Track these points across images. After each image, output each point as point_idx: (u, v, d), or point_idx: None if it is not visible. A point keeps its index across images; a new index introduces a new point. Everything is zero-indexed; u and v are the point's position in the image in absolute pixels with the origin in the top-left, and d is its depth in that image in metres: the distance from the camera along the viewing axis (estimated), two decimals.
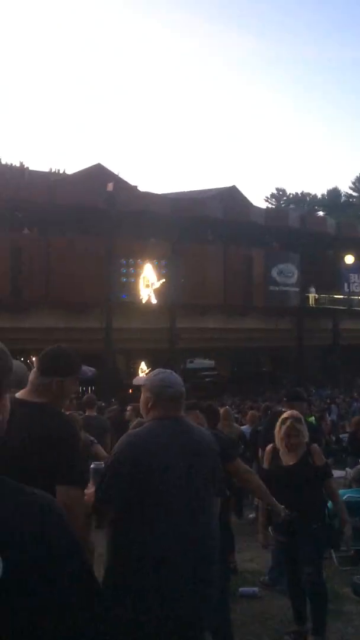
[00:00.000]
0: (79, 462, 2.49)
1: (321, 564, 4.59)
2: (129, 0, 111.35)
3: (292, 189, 69.84)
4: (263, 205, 49.52)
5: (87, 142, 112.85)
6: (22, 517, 1.12)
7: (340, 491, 5.94)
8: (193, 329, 27.19)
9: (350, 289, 32.94)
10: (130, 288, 25.49)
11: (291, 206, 60.31)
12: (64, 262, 23.51)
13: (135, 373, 25.43)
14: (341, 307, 32.24)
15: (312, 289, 31.53)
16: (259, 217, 30.78)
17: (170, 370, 2.81)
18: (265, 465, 4.82)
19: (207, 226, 28.99)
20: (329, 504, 4.90)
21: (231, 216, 29.04)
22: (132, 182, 29.62)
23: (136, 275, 25.72)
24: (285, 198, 66.12)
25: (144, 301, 25.71)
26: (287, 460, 4.58)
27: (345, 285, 32.92)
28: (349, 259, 32.48)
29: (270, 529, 4.76)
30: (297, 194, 66.43)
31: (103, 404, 16.84)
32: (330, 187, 66.34)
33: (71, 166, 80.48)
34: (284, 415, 4.71)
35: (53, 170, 30.87)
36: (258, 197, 73.63)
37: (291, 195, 66.33)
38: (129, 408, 9.44)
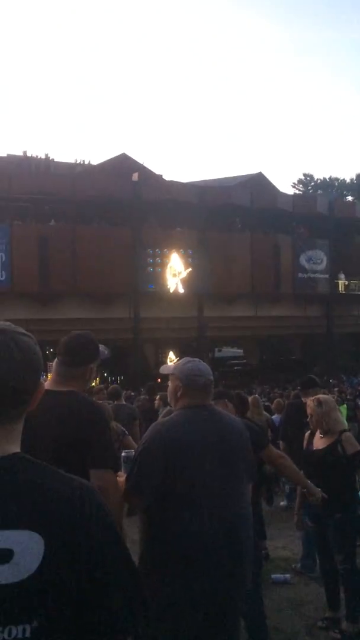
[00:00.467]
0: (111, 446, 2.52)
1: (353, 552, 4.57)
2: None
3: (319, 174, 68.92)
4: (290, 191, 48.96)
5: (111, 132, 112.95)
6: (63, 503, 1.16)
7: None
8: (221, 317, 27.14)
9: None
10: (157, 278, 25.51)
11: (319, 192, 59.52)
12: (91, 252, 23.60)
13: (163, 363, 25.42)
14: None
15: (342, 275, 31.18)
16: (286, 203, 30.47)
17: (199, 359, 2.82)
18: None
19: (234, 214, 28.81)
20: None
21: (258, 203, 28.80)
22: (157, 172, 29.60)
23: (163, 264, 25.71)
24: (312, 184, 65.19)
25: (171, 290, 25.72)
26: (318, 445, 4.58)
27: None
28: None
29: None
30: (325, 179, 65.43)
31: (132, 393, 16.99)
32: None
33: (96, 157, 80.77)
34: (320, 397, 4.69)
35: (78, 161, 30.98)
36: (285, 184, 73.16)
37: (319, 181, 65.37)
38: (157, 397, 9.50)
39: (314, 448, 4.59)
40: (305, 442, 4.78)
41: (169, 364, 3.36)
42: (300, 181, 66.00)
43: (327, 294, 30.61)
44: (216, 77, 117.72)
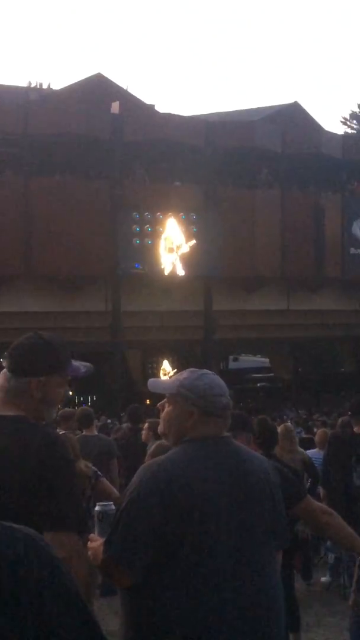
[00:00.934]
0: (76, 498, 2.52)
1: None
2: None
3: None
4: (339, 130, 48.94)
5: (82, 47, 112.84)
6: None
7: None
8: (237, 311, 27.20)
9: None
10: (146, 254, 25.50)
11: None
12: (51, 217, 23.61)
13: (154, 375, 25.52)
14: None
15: None
16: (333, 147, 30.46)
17: (212, 372, 2.83)
18: None
19: (258, 162, 28.83)
20: None
21: (292, 147, 28.84)
22: (147, 101, 29.62)
23: (155, 235, 25.69)
24: None
25: (166, 273, 25.73)
26: None
27: None
28: None
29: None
30: None
31: (109, 420, 17.01)
32: None
33: (58, 79, 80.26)
34: None
35: (32, 85, 31.00)
36: (332, 119, 73.17)
37: None
38: (145, 426, 9.48)
39: None
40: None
41: (163, 377, 3.34)
42: (353, 116, 65.96)
43: None
44: None
